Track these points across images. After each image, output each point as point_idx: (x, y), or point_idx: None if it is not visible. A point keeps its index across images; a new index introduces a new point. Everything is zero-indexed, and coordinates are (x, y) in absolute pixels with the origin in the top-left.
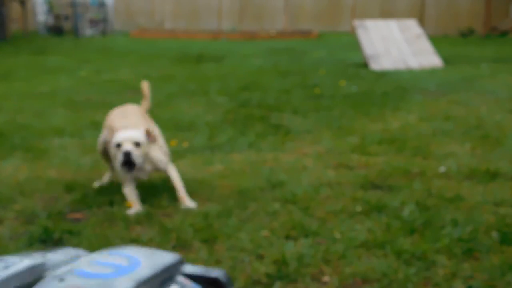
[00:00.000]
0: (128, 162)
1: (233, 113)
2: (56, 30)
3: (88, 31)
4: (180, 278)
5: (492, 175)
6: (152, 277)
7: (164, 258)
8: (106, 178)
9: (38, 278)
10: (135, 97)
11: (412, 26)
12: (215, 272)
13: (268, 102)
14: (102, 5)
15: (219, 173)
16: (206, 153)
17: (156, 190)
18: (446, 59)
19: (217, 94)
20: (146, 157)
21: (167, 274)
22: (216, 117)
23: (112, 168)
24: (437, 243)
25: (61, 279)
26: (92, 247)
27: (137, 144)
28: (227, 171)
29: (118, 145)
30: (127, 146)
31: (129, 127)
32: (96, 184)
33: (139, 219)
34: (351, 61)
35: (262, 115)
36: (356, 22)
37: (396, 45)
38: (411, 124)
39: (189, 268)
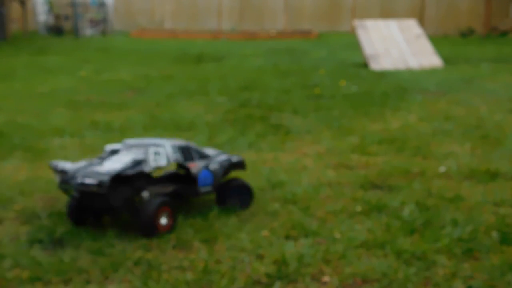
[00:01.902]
0: None
1: (233, 113)
2: (56, 30)
3: (88, 31)
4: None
5: (492, 175)
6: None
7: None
8: None
9: None
10: (135, 97)
11: (412, 26)
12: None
13: (268, 102)
14: (102, 5)
15: None
16: None
17: None
18: (446, 59)
19: (217, 94)
20: None
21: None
22: (216, 117)
23: None
24: (437, 243)
25: None
26: (92, 247)
27: None
28: None
29: None
30: None
31: None
32: None
33: None
34: (351, 61)
35: (262, 115)
36: (356, 22)
37: (396, 45)
38: (411, 124)
39: None
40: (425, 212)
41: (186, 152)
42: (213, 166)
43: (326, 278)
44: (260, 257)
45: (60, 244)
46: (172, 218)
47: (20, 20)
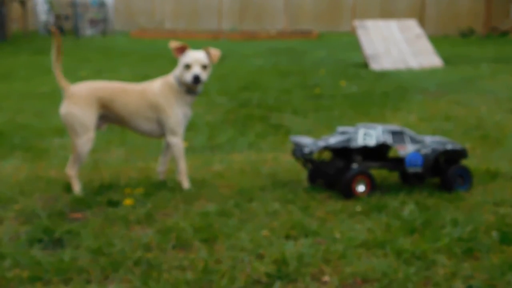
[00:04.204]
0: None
1: (233, 113)
2: None
3: (88, 31)
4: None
5: (492, 175)
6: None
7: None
8: None
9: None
10: None
11: (412, 26)
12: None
13: (268, 102)
14: (102, 5)
15: (219, 173)
16: (206, 153)
17: (155, 189)
18: (446, 59)
19: (217, 94)
20: None
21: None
22: (216, 117)
23: None
24: (437, 243)
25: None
26: (92, 247)
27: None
28: (227, 171)
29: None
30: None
31: None
32: None
33: (139, 219)
34: (351, 61)
35: (262, 115)
36: (356, 22)
37: (396, 45)
38: (411, 124)
39: None
40: (425, 212)
41: (398, 136)
42: (425, 150)
43: (326, 278)
44: (260, 257)
45: (60, 244)
46: (370, 186)
47: (20, 20)
